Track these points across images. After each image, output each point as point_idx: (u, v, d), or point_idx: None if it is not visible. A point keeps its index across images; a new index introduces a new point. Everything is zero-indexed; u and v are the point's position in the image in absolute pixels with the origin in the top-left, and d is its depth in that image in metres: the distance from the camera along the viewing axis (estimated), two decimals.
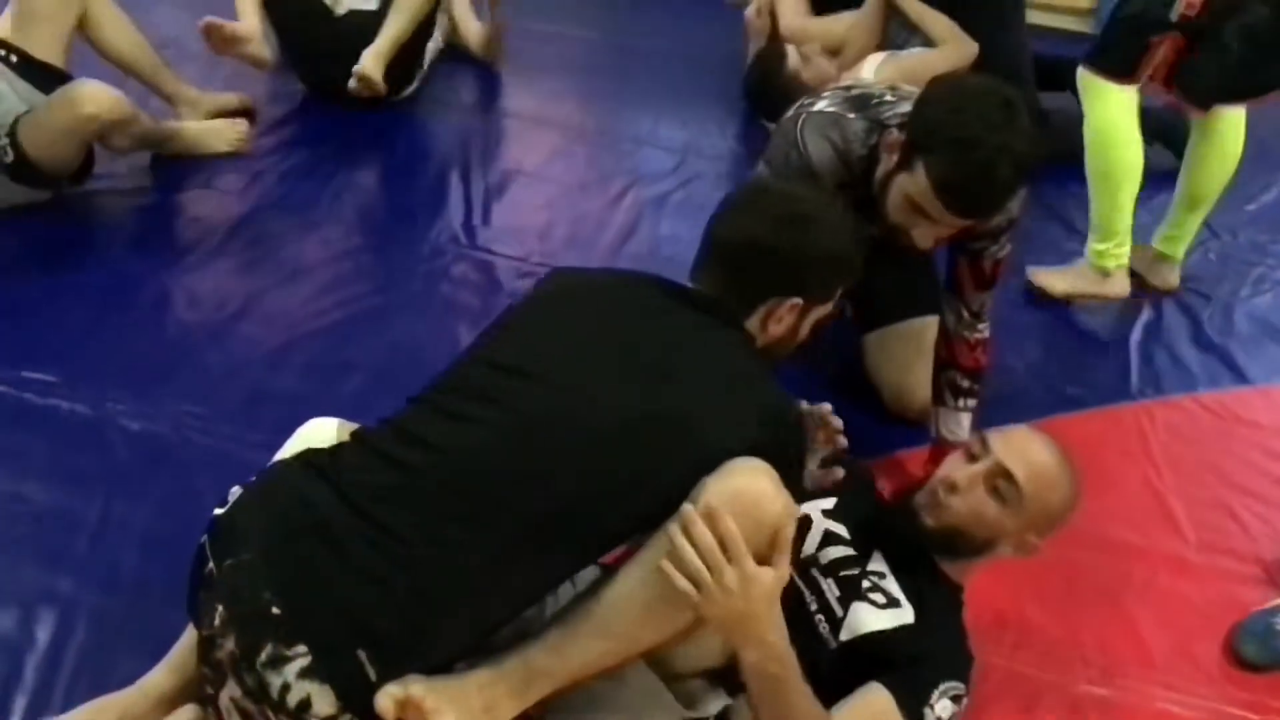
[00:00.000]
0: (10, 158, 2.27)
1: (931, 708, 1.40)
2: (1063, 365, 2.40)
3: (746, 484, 1.24)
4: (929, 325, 2.02)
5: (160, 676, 1.41)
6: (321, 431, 1.42)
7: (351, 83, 2.72)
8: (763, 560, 1.25)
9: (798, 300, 1.42)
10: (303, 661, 1.15)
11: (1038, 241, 2.66)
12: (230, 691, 1.19)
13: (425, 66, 3.00)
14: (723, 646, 1.35)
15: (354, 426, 1.43)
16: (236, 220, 2.49)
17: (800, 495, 1.41)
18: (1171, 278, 2.62)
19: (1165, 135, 2.89)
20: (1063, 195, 2.80)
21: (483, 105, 3.05)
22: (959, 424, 1.96)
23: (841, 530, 1.58)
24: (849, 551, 1.55)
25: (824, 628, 1.49)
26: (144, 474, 1.85)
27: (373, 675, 1.16)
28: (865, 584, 1.51)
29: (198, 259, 2.36)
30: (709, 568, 1.21)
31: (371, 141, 2.80)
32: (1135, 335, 2.50)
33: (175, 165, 2.60)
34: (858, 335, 2.21)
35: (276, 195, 2.57)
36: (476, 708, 1.19)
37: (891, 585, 1.52)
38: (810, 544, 1.57)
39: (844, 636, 1.47)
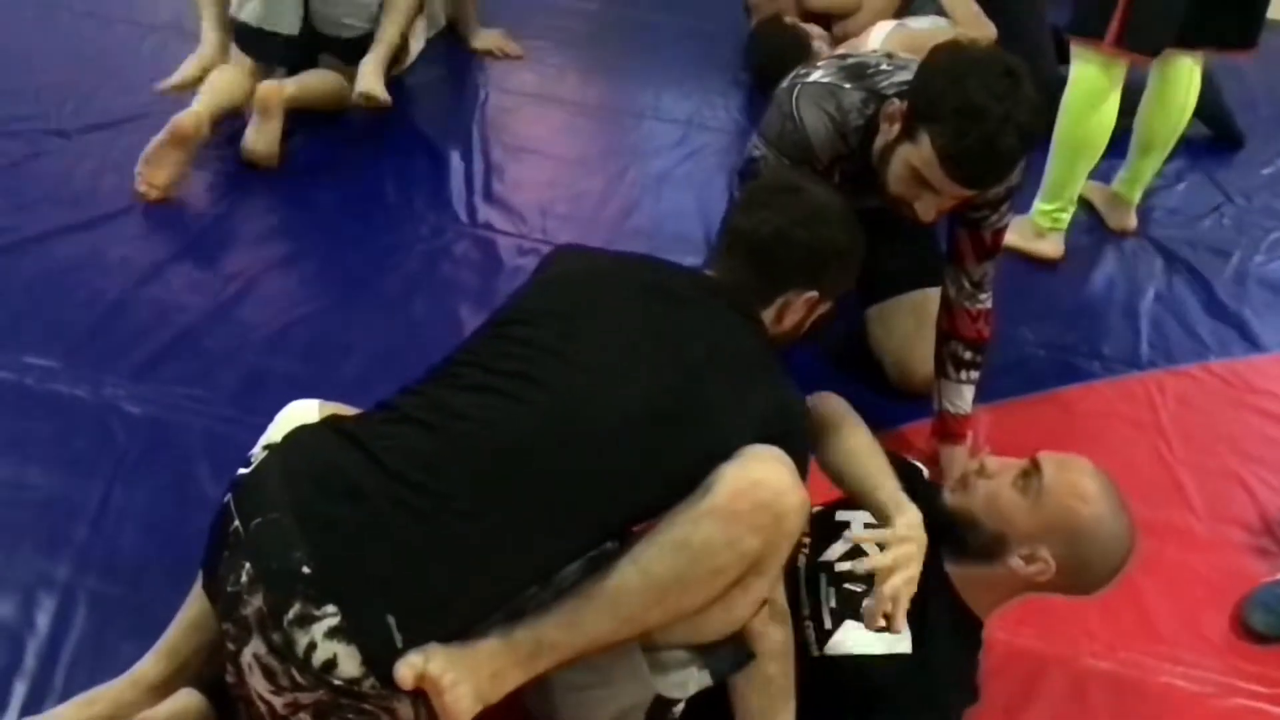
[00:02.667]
0: None
1: None
2: (1071, 335, 2.37)
3: (765, 474, 1.26)
4: (931, 297, 2.00)
5: (150, 665, 1.41)
6: (304, 413, 1.42)
7: (355, 98, 2.67)
8: (765, 559, 1.26)
9: (814, 294, 1.46)
10: (331, 621, 1.15)
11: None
12: (254, 649, 1.19)
13: (423, 42, 2.98)
14: (715, 627, 1.33)
15: (335, 407, 1.42)
16: (234, 202, 2.49)
17: (806, 469, 1.40)
18: (1128, 220, 2.65)
19: (1198, 108, 2.86)
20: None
21: (483, 81, 3.03)
22: (961, 397, 1.93)
23: (874, 549, 1.50)
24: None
25: (810, 634, 1.46)
26: (144, 458, 1.85)
27: (399, 641, 1.16)
28: (867, 602, 1.43)
29: (195, 241, 2.36)
30: None
31: (371, 120, 2.78)
32: (1146, 303, 2.47)
33: None
34: (859, 309, 2.19)
35: (274, 175, 2.56)
36: (485, 675, 1.20)
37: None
38: (834, 550, 1.53)
39: (828, 651, 1.43)
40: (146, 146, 2.45)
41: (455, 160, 2.71)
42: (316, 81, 2.70)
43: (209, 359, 2.07)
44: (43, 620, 1.60)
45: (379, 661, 1.16)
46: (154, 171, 2.44)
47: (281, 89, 2.56)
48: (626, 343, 1.34)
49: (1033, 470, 1.45)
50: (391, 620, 1.16)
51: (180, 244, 2.35)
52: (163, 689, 1.39)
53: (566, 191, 2.65)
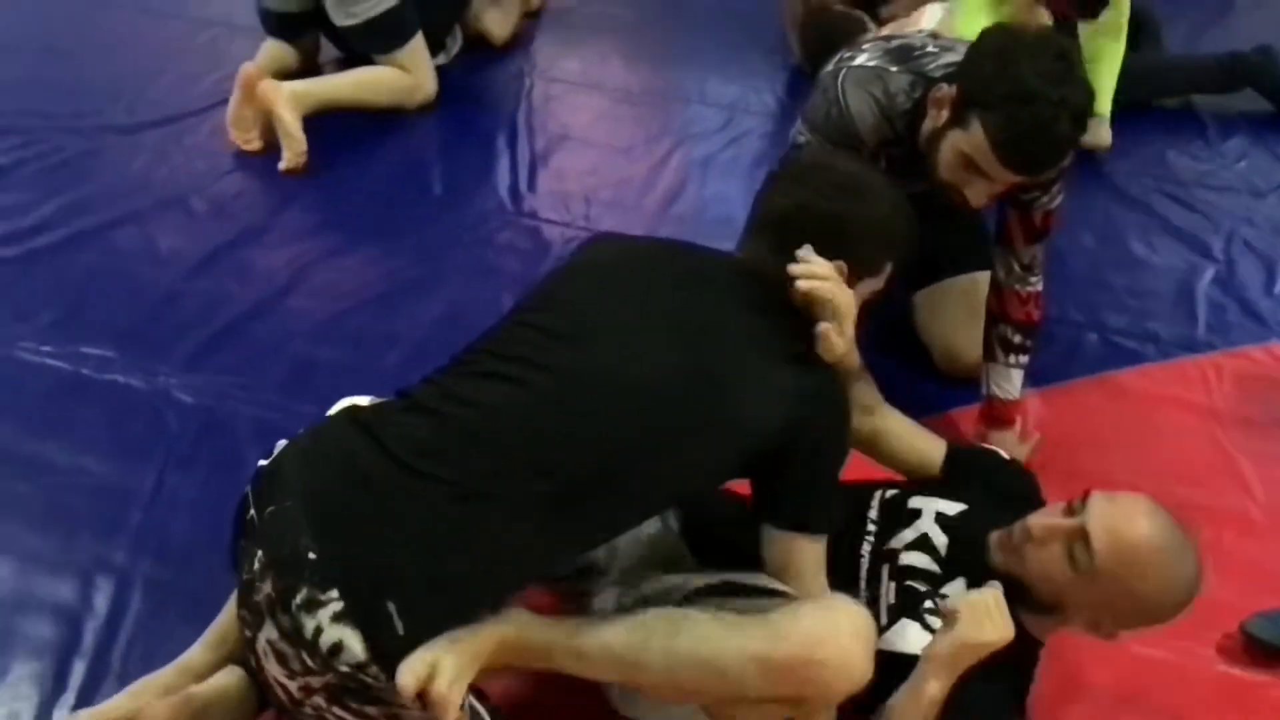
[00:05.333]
0: None
1: None
2: (1125, 317, 2.31)
3: (837, 653, 1.23)
4: (979, 281, 1.97)
5: (198, 654, 1.45)
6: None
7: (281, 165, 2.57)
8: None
9: (842, 264, 1.39)
10: (335, 606, 1.17)
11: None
12: (267, 634, 1.22)
13: (460, 37, 2.98)
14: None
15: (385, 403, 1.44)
16: (282, 193, 2.52)
17: (841, 463, 1.40)
18: (1100, 133, 2.66)
19: (1256, 80, 2.84)
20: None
21: (527, 69, 3.03)
22: (1010, 381, 1.91)
23: (941, 541, 1.48)
24: (931, 566, 1.47)
25: None
26: (195, 445, 1.90)
27: (400, 629, 1.17)
28: (928, 604, 1.43)
29: (245, 233, 2.40)
30: None
31: (416, 111, 2.79)
32: (1203, 284, 2.40)
33: (215, 140, 2.64)
34: (907, 293, 2.16)
35: (320, 167, 2.58)
36: (484, 663, 1.22)
37: None
38: (901, 538, 1.49)
39: (879, 646, 1.37)
40: (228, 110, 2.61)
41: (500, 148, 2.72)
42: (333, 81, 2.73)
43: (258, 349, 2.11)
44: (100, 602, 1.64)
45: (380, 649, 1.17)
46: (244, 129, 2.61)
47: (258, 71, 2.59)
48: (641, 326, 1.33)
49: (1079, 537, 1.36)
50: (392, 607, 1.17)
51: (230, 236, 2.39)
52: (210, 676, 1.43)
53: (611, 178, 2.65)
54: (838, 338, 1.34)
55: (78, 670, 1.55)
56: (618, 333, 1.32)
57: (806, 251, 1.36)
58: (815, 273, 1.35)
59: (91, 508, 1.78)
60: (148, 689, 1.43)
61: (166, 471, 1.84)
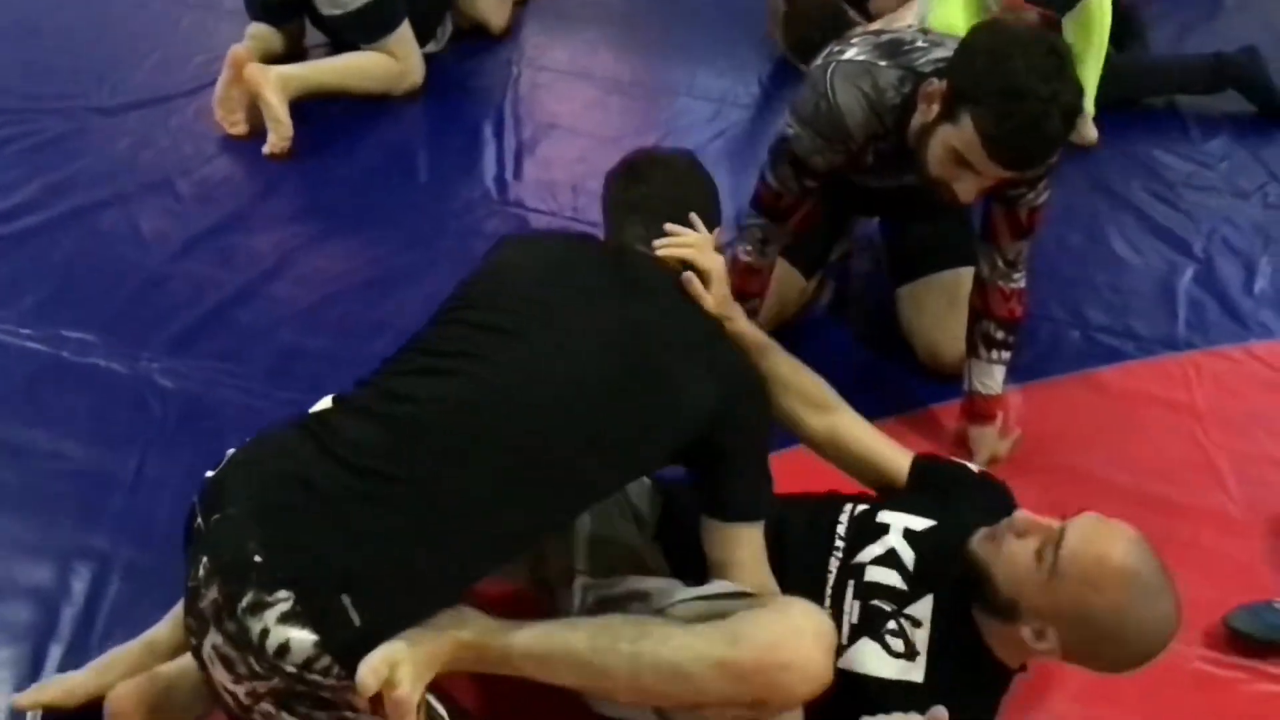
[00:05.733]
0: None
1: None
2: (1106, 315, 2.33)
3: (800, 658, 1.25)
4: (963, 277, 1.98)
5: (166, 631, 1.45)
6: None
7: (265, 149, 2.54)
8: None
9: (720, 229, 1.56)
10: (283, 606, 1.17)
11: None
12: (212, 640, 1.22)
13: (449, 25, 2.97)
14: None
15: None
16: (268, 178, 2.51)
17: (767, 445, 1.46)
18: (1086, 130, 2.70)
19: (1241, 82, 2.86)
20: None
21: (516, 58, 3.02)
22: (992, 377, 1.92)
23: (909, 557, 1.46)
24: (898, 583, 1.44)
25: None
26: (178, 431, 1.89)
27: (356, 620, 1.17)
28: (891, 625, 1.41)
29: (230, 218, 2.38)
30: None
31: (403, 97, 2.79)
32: (1184, 283, 2.41)
33: (199, 123, 2.63)
34: (891, 288, 2.17)
35: (305, 152, 2.57)
36: (442, 664, 1.23)
37: (920, 637, 1.40)
38: (868, 552, 1.47)
39: (838, 664, 1.35)
40: (215, 91, 2.58)
41: (487, 137, 2.71)
42: (321, 66, 2.71)
43: (243, 334, 2.10)
44: (79, 588, 1.64)
45: (334, 641, 1.17)
46: (230, 111, 2.58)
47: (248, 53, 2.57)
48: (576, 318, 1.35)
49: (1051, 540, 1.34)
50: (346, 600, 1.17)
51: (215, 220, 2.37)
52: (176, 653, 1.42)
53: (598, 168, 2.57)
54: (703, 289, 1.46)
55: (55, 655, 1.55)
56: (553, 326, 1.34)
57: (693, 220, 1.51)
58: (679, 241, 1.48)
59: (72, 493, 1.77)
60: (114, 664, 1.43)
61: (148, 457, 1.83)
